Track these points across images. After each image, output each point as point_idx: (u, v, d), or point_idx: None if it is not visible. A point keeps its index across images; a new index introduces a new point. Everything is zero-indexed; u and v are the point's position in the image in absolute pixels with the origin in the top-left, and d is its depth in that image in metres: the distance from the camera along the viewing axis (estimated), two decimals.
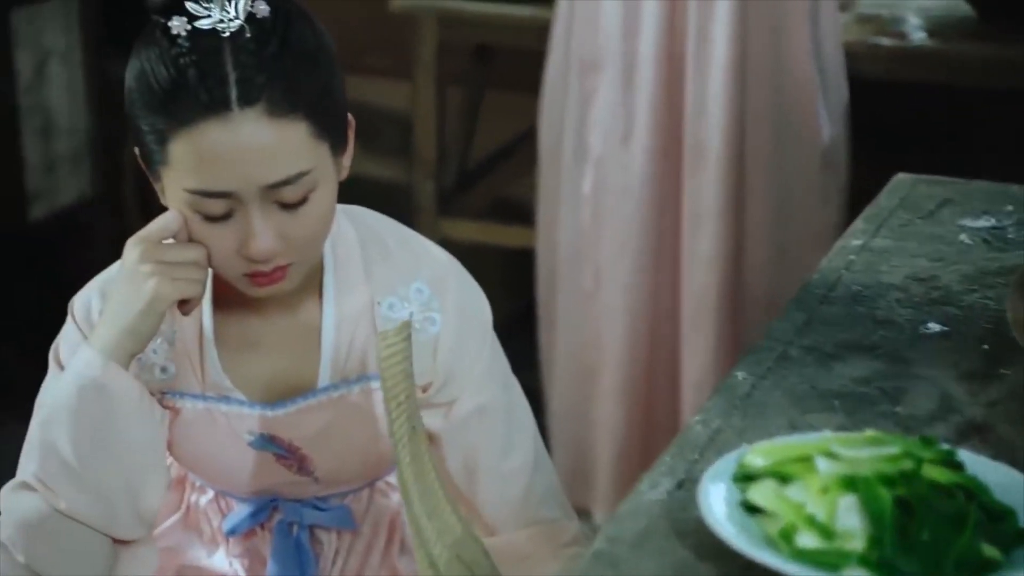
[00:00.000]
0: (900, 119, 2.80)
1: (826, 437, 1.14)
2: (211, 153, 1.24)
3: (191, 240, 1.29)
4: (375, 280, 1.39)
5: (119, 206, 3.18)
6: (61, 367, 1.38)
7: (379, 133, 3.43)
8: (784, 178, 2.37)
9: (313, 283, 1.38)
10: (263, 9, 1.26)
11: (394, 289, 1.39)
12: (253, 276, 1.30)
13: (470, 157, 3.09)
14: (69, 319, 1.40)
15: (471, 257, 3.00)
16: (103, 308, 1.36)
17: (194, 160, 1.24)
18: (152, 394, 1.37)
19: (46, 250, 3.06)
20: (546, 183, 2.51)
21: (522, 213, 2.86)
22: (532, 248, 2.60)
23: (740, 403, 1.29)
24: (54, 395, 1.34)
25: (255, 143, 1.24)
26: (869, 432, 1.14)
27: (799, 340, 1.41)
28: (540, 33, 2.53)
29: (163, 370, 1.39)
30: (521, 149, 3.01)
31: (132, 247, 1.30)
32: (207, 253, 1.29)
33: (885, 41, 2.53)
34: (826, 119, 2.37)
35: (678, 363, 2.43)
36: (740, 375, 1.35)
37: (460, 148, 3.04)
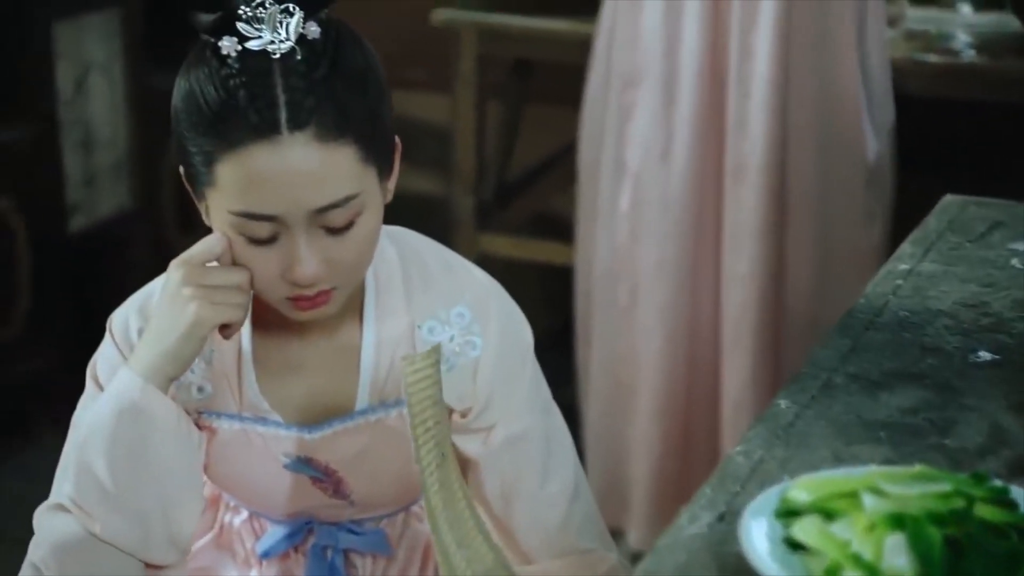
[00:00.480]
0: (948, 138, 2.76)
1: (872, 472, 1.11)
2: (259, 176, 1.22)
3: (235, 263, 1.28)
4: (416, 303, 1.38)
5: (158, 218, 3.18)
6: (98, 386, 1.38)
7: (418, 146, 3.41)
8: (827, 197, 2.33)
9: (354, 305, 1.37)
10: (314, 31, 1.24)
11: (435, 312, 1.37)
12: (296, 300, 1.28)
13: (509, 171, 3.07)
14: (107, 337, 1.39)
15: (510, 273, 2.98)
16: (142, 327, 1.36)
17: (241, 183, 1.23)
18: (188, 413, 1.36)
19: (86, 262, 3.06)
20: (585, 199, 2.48)
21: (562, 229, 2.84)
22: (571, 265, 2.57)
23: (783, 433, 1.26)
24: (92, 417, 1.33)
25: (304, 167, 1.22)
26: (918, 467, 1.10)
27: (844, 368, 1.38)
28: (581, 47, 2.51)
29: (200, 390, 1.38)
30: (561, 163, 2.98)
31: (175, 269, 1.29)
32: (250, 277, 1.28)
33: (933, 58, 2.50)
34: (872, 136, 2.33)
35: (717, 382, 2.39)
36: (783, 403, 1.32)
37: (500, 162, 3.02)
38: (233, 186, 1.23)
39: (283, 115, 1.21)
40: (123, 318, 1.38)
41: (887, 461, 1.20)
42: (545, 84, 3.03)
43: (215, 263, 1.29)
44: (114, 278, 3.07)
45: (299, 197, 1.23)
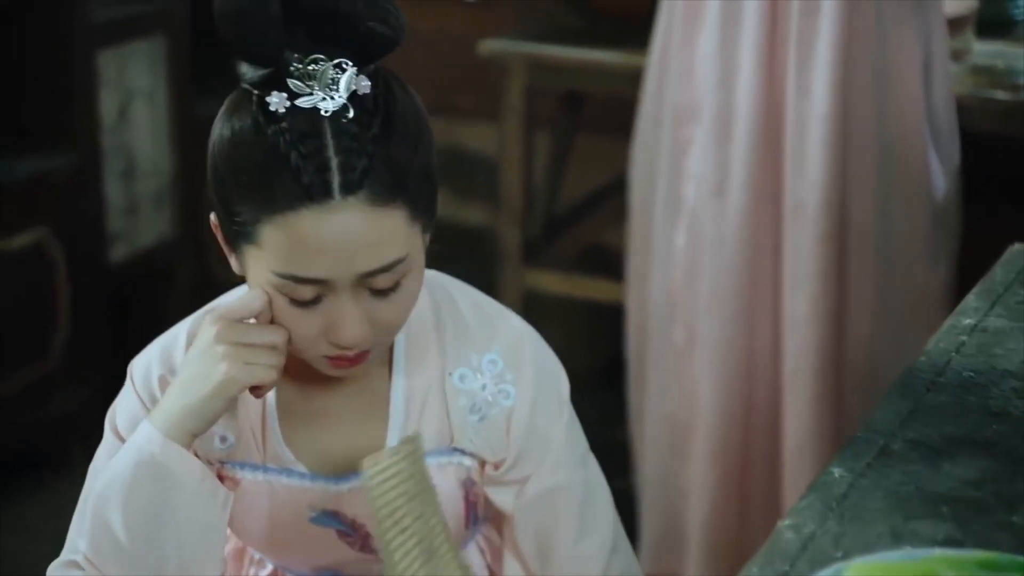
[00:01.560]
0: (1014, 178, 2.65)
1: (934, 557, 1.03)
2: (307, 241, 1.17)
3: (272, 321, 1.24)
4: (448, 350, 1.33)
5: (201, 248, 3.13)
6: (117, 435, 1.34)
7: (467, 176, 3.36)
8: (891, 238, 2.23)
9: (383, 352, 1.32)
10: (365, 85, 1.19)
11: (467, 359, 1.33)
12: (335, 359, 1.24)
13: (558, 204, 3.00)
14: (127, 383, 1.35)
15: (557, 310, 2.90)
16: (163, 374, 1.32)
17: (288, 246, 1.18)
18: (211, 463, 1.32)
19: (126, 292, 3.02)
20: (637, 235, 2.40)
21: (612, 264, 2.76)
22: (620, 302, 2.50)
23: (836, 505, 1.18)
24: (110, 471, 1.28)
25: (354, 232, 1.17)
26: (983, 553, 1.02)
27: (903, 433, 1.29)
28: (632, 80, 2.44)
29: (223, 440, 1.33)
30: (612, 197, 2.91)
31: (209, 324, 1.25)
32: (287, 336, 1.24)
33: (1000, 94, 2.41)
34: (939, 174, 2.24)
35: (777, 426, 2.30)
36: (836, 472, 1.23)
37: (548, 195, 2.95)
38: (279, 248, 1.18)
39: (335, 180, 1.16)
40: (144, 365, 1.34)
41: (949, 539, 1.12)
42: (596, 115, 2.96)
43: (252, 320, 1.24)
44: (155, 309, 3.04)
45: (348, 262, 1.19)
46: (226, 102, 1.23)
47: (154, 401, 1.32)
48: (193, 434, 1.26)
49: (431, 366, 1.33)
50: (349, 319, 1.20)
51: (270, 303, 1.23)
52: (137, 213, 3.01)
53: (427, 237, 1.27)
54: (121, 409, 1.35)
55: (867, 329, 2.25)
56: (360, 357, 1.24)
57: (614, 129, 2.62)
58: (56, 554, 1.34)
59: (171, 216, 3.07)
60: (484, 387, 1.32)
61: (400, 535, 1.15)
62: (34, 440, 2.77)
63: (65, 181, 2.76)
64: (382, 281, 1.20)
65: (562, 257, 2.93)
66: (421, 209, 1.22)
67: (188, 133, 3.05)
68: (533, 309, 2.70)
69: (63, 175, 2.76)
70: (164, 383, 1.32)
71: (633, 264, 2.43)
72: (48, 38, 2.77)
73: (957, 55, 2.42)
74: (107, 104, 2.89)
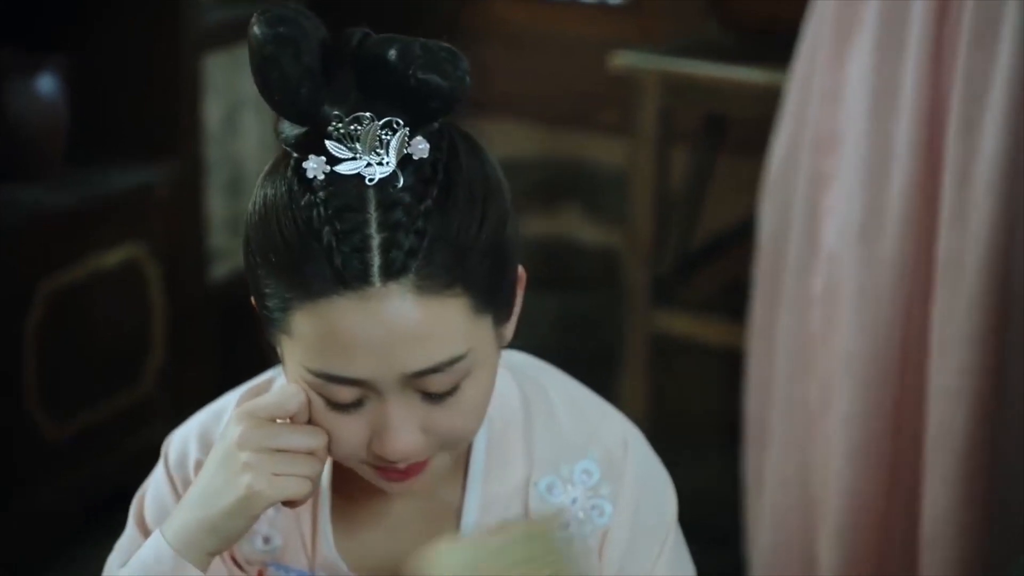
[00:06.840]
0: None
1: None
2: (342, 334, 1.02)
3: (311, 421, 1.08)
4: (535, 454, 1.19)
5: None
6: (140, 526, 1.21)
7: (599, 193, 3.14)
8: None
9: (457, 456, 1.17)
10: (421, 148, 1.02)
11: (556, 467, 1.19)
12: (383, 471, 1.10)
13: (695, 236, 2.76)
14: (160, 462, 1.22)
15: (690, 357, 2.65)
16: (201, 459, 1.18)
17: (321, 339, 1.03)
18: (251, 564, 1.18)
19: (227, 314, 2.87)
20: (764, 276, 2.18)
21: None
22: None
23: None
24: None
25: (398, 325, 1.02)
26: None
27: None
28: (777, 102, 2.19)
29: (266, 540, 1.20)
30: (756, 231, 2.66)
31: (235, 422, 1.10)
32: (327, 440, 1.08)
33: None
34: None
35: (915, 514, 2.02)
36: None
37: (683, 227, 2.72)
38: (311, 341, 1.03)
39: (375, 261, 1.00)
40: (181, 443, 1.21)
41: None
42: (741, 137, 2.71)
43: (286, 420, 1.09)
44: (258, 333, 2.87)
45: (391, 360, 1.03)
46: (268, 164, 1.08)
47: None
48: (211, 553, 1.11)
49: (515, 472, 1.19)
50: (394, 428, 1.05)
51: (309, 402, 1.06)
52: (241, 229, 2.85)
53: (505, 330, 1.09)
54: (151, 496, 1.21)
55: None
56: (413, 470, 1.09)
57: (761, 154, 2.37)
58: None
59: None
60: (575, 501, 1.18)
61: None
62: (123, 474, 2.63)
63: (164, 194, 2.62)
64: (436, 383, 1.05)
65: (697, 297, 2.69)
66: (490, 298, 1.05)
67: None
68: (663, 355, 2.51)
69: (162, 187, 2.61)
70: (200, 469, 1.16)
71: (758, 309, 2.20)
72: (152, 39, 2.63)
73: None
74: (212, 111, 2.74)
